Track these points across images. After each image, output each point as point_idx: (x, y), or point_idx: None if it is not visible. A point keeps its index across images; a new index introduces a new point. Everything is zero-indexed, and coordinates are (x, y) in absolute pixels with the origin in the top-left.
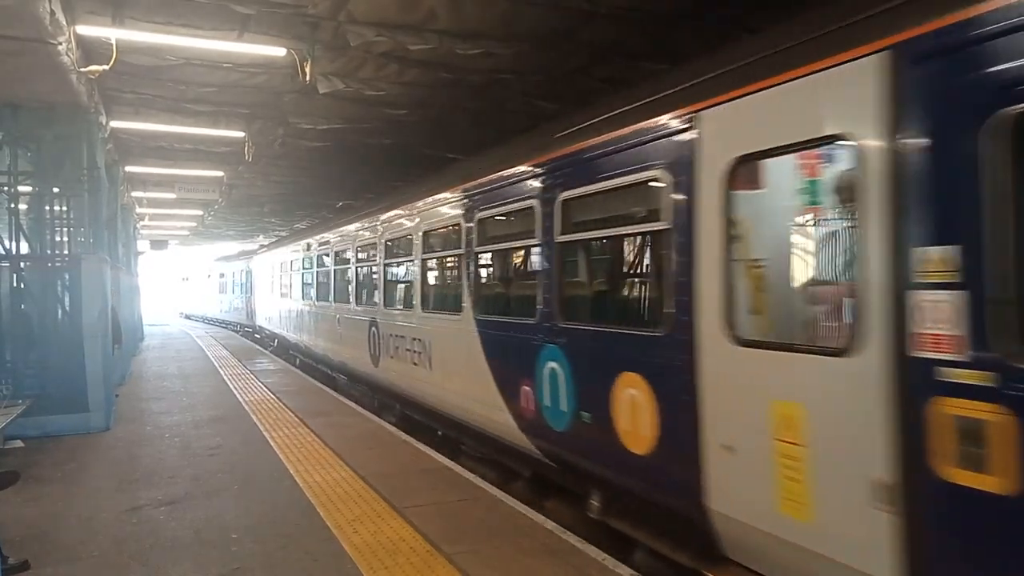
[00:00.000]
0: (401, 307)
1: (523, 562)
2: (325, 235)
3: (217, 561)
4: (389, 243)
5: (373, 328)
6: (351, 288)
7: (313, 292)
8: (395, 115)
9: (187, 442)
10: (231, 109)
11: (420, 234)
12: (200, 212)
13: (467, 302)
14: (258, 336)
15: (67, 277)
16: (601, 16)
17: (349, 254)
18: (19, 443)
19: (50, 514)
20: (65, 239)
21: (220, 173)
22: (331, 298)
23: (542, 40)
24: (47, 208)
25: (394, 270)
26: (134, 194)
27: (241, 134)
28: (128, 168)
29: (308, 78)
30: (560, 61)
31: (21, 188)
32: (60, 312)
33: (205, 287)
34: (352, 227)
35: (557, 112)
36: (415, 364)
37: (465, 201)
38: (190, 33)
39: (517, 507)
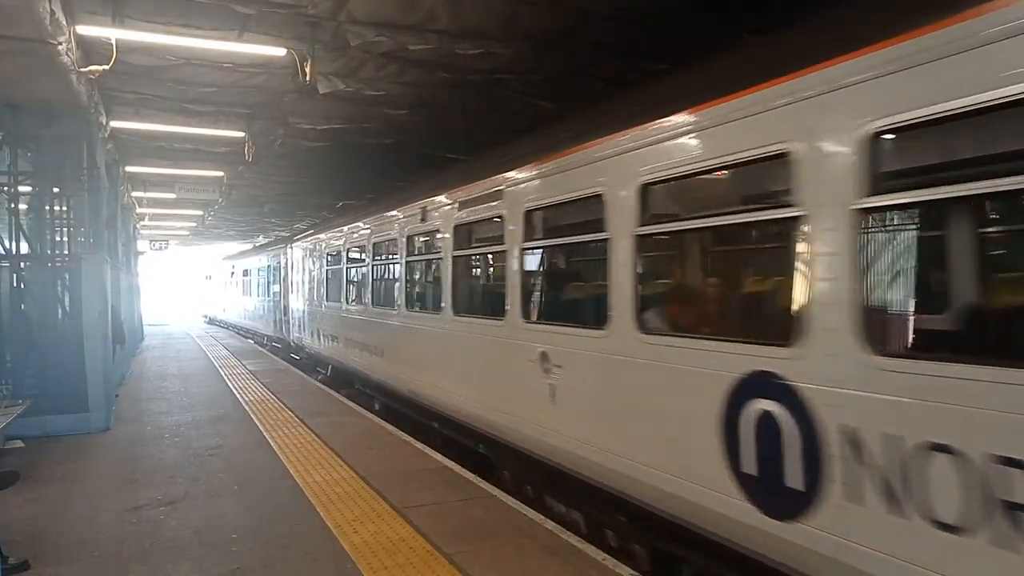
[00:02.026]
0: None
1: (523, 562)
2: (491, 185)
3: (217, 561)
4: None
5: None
6: (635, 290)
7: (464, 298)
8: (395, 115)
9: (187, 442)
10: (231, 109)
11: None
12: (200, 212)
13: None
14: (296, 356)
15: (67, 277)
16: (601, 16)
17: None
18: (19, 443)
19: (50, 514)
20: (65, 239)
21: (220, 173)
22: (532, 311)
23: (542, 40)
24: (47, 208)
25: None
26: (134, 194)
27: (241, 134)
28: (128, 168)
29: (308, 78)
30: (560, 61)
31: (21, 188)
32: (60, 312)
33: (227, 287)
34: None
35: (557, 112)
36: None
37: None
38: (190, 33)
39: (517, 507)
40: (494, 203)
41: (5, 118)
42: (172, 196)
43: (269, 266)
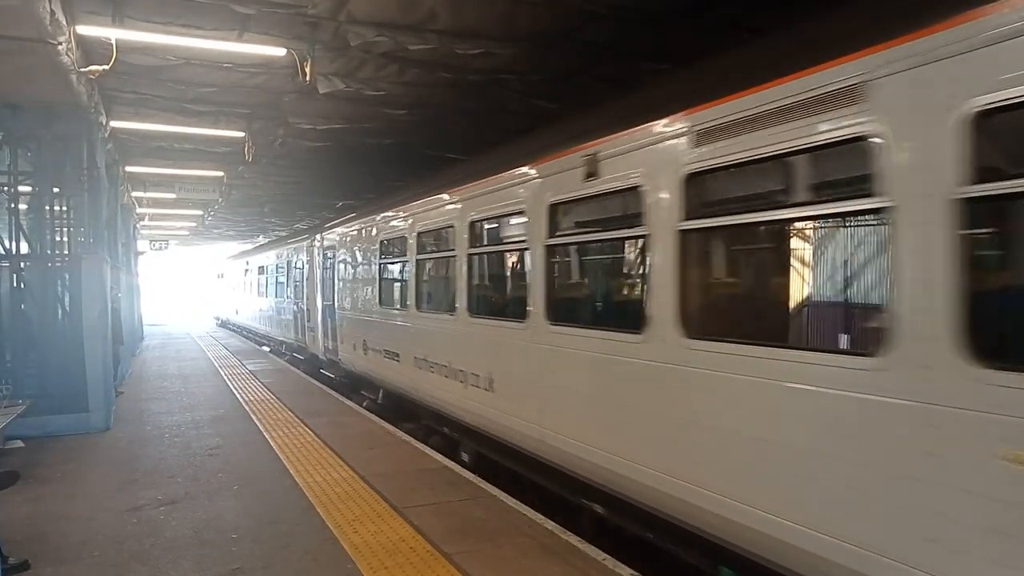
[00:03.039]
0: None
1: (523, 562)
2: (815, 83)
3: (217, 561)
4: None
5: None
6: None
7: (710, 308)
8: (395, 115)
9: (187, 442)
10: (231, 109)
11: None
12: (200, 212)
13: None
14: (329, 374)
15: (67, 277)
16: (601, 16)
17: None
18: (19, 443)
19: (50, 514)
20: (65, 239)
21: (220, 173)
22: None
23: (542, 40)
24: (47, 208)
25: None
26: (134, 194)
27: (241, 134)
28: (128, 168)
29: (308, 78)
30: (560, 61)
31: (21, 188)
32: (60, 312)
33: (241, 288)
34: None
35: (557, 112)
36: None
37: None
38: (190, 33)
39: (517, 507)
40: (832, 115)
41: (5, 118)
42: (172, 196)
43: (290, 262)
